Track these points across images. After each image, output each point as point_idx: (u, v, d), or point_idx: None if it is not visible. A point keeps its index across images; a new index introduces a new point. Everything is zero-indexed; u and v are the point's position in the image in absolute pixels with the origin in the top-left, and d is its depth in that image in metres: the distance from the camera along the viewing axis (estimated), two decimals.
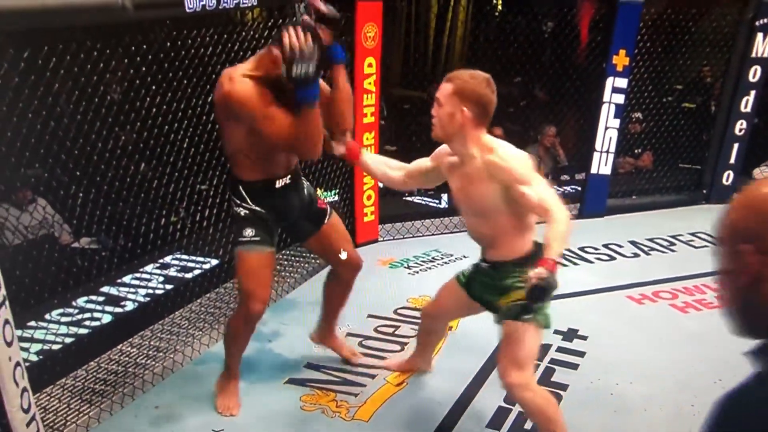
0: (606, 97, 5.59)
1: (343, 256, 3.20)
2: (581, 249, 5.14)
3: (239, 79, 2.62)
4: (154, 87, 3.65)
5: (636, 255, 5.11)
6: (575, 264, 4.90)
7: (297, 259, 4.68)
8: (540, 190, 2.46)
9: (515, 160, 2.53)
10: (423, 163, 2.92)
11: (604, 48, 5.62)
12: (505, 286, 2.65)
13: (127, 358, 3.50)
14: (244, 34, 3.90)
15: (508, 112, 6.88)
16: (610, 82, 5.55)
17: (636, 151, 6.86)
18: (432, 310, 3.18)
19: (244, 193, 2.88)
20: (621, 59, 5.50)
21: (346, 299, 3.39)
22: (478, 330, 3.51)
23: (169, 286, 4.14)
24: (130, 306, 3.91)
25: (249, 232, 2.88)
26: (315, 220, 3.14)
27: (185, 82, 3.71)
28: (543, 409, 2.62)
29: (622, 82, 5.58)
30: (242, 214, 2.88)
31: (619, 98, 5.62)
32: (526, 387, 2.60)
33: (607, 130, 5.66)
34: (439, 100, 2.58)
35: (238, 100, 2.60)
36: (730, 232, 1.18)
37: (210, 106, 3.41)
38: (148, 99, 3.65)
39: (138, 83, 3.59)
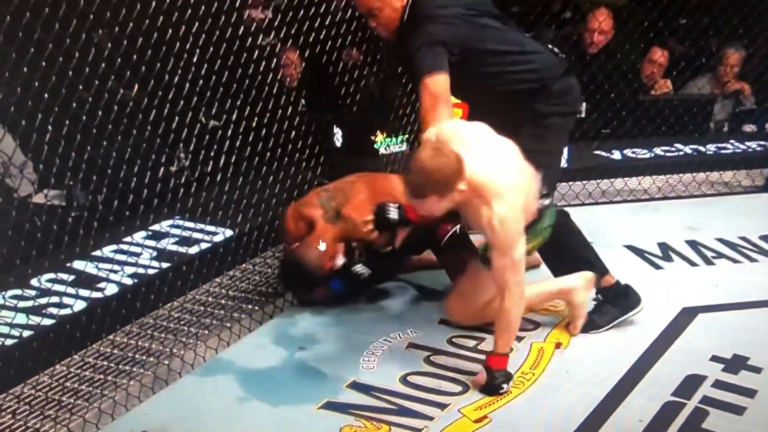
0: None
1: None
2: (763, 238, 4.75)
3: None
4: None
5: None
6: (752, 260, 4.54)
7: None
8: (507, 263, 3.10)
9: (505, 223, 3.06)
10: None
11: None
12: None
13: (105, 362, 3.48)
14: None
15: (672, 26, 6.27)
16: None
17: None
18: None
19: None
20: None
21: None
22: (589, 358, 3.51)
23: (164, 264, 4.16)
24: (111, 289, 3.91)
25: None
26: None
27: None
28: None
29: None
30: None
31: None
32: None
33: None
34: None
35: None
36: None
37: None
38: None
39: None
